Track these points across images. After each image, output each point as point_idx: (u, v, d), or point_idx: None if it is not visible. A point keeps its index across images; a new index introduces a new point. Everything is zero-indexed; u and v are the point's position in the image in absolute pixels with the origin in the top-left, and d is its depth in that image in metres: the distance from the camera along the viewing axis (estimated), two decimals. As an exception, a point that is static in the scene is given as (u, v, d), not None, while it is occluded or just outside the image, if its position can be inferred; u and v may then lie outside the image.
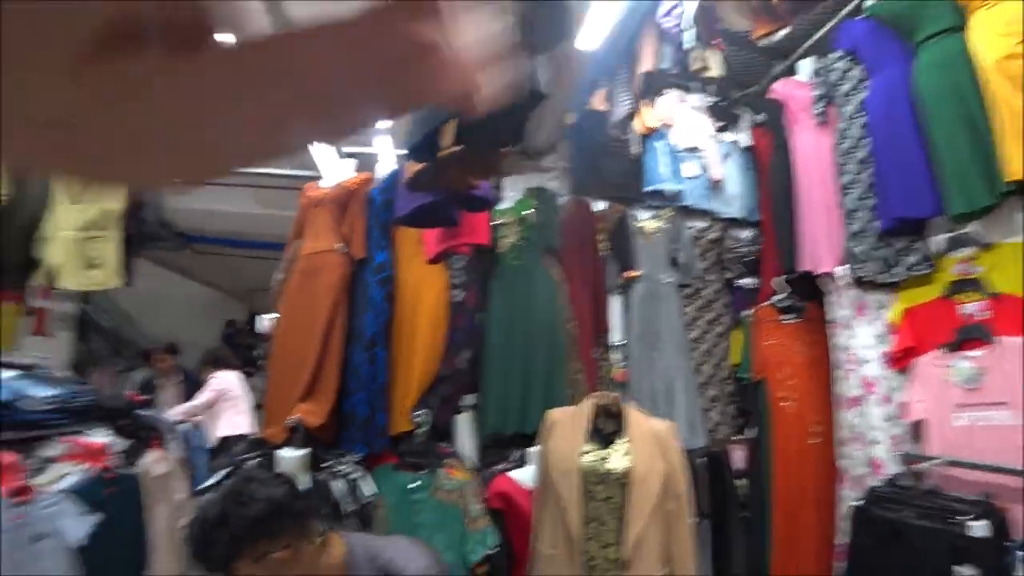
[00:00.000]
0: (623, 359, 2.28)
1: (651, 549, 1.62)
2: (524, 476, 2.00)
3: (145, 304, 9.01)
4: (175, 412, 3.87)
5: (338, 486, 2.00)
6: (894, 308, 1.96)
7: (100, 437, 2.37)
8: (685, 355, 2.32)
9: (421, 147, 1.16)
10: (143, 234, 2.57)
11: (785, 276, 2.33)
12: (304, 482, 1.94)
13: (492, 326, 2.12)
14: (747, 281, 2.46)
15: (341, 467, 2.07)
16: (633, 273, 2.30)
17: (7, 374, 2.24)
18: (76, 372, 3.20)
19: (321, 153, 2.52)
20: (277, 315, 2.34)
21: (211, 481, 2.03)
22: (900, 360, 1.93)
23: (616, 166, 2.37)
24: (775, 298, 2.32)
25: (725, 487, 2.42)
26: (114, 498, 2.29)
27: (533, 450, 2.00)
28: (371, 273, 2.16)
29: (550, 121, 2.29)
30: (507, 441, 2.14)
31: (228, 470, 2.03)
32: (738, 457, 2.46)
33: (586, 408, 1.76)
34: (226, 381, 4.01)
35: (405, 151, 1.56)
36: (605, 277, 2.25)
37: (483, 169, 1.27)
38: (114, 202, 2.41)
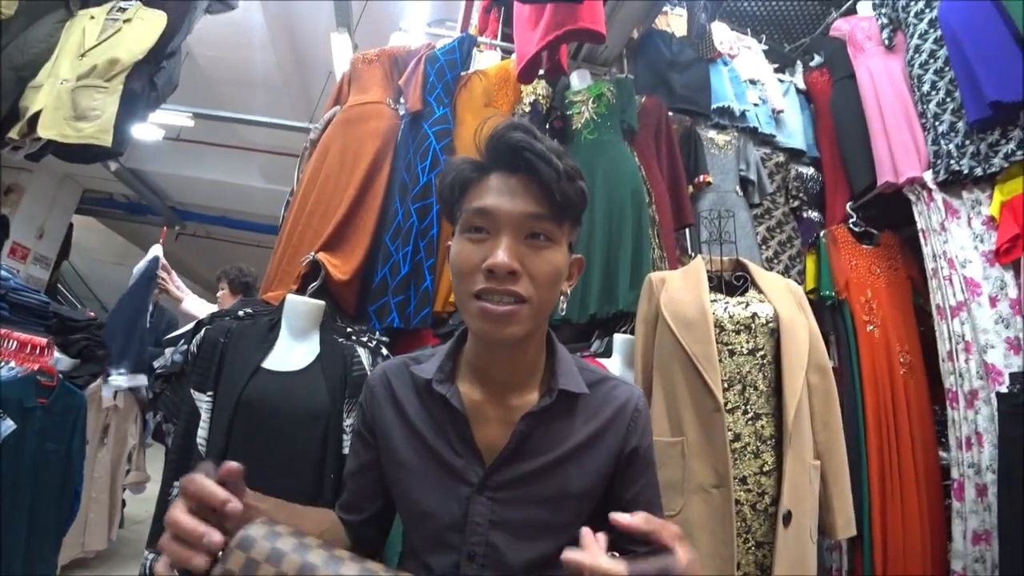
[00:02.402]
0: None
1: (807, 427, 1.22)
2: (611, 367, 1.60)
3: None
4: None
5: (364, 356, 1.51)
6: (993, 202, 1.86)
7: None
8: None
9: None
10: (149, 96, 2.17)
11: (855, 202, 2.24)
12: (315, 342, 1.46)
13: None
14: (813, 214, 2.34)
15: (366, 337, 1.60)
16: (707, 178, 2.12)
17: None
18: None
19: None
20: (299, 176, 1.96)
21: (179, 332, 1.47)
22: (1008, 252, 1.79)
23: (683, 80, 2.29)
24: (850, 221, 2.20)
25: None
26: (47, 412, 1.70)
27: (621, 337, 1.63)
28: (428, 124, 1.88)
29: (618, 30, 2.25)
30: (579, 332, 1.76)
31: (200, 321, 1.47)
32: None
33: (698, 263, 1.45)
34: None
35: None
36: (683, 172, 2.06)
37: None
38: (126, 52, 2.04)
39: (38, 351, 1.74)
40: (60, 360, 2.03)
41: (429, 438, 0.68)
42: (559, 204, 0.61)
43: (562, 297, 0.67)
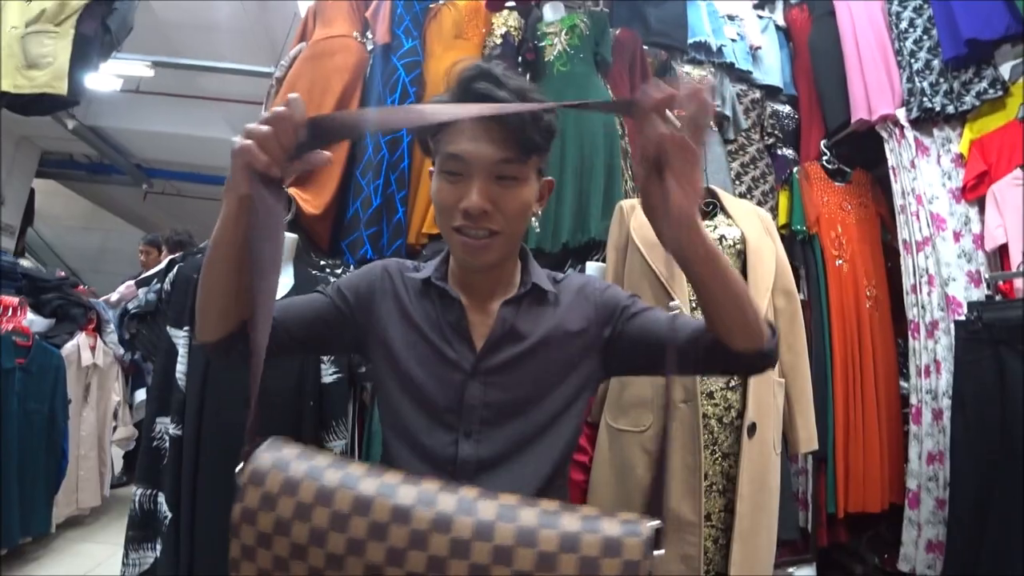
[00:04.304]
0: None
1: None
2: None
3: (94, 259, 7.58)
4: (119, 290, 3.02)
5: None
6: (963, 140, 1.89)
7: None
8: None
9: None
10: (103, 40, 2.05)
11: (829, 140, 2.24)
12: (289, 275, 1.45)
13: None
14: (787, 151, 2.34)
15: (340, 270, 1.59)
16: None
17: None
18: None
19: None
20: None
21: (154, 270, 1.45)
22: (974, 189, 1.83)
23: (659, 14, 2.23)
24: (823, 159, 2.21)
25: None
26: (26, 372, 1.67)
27: (593, 264, 1.65)
28: (397, 57, 1.81)
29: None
30: (552, 262, 1.76)
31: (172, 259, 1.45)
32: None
33: None
34: None
35: None
36: (658, 106, 2.03)
37: None
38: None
39: (10, 311, 1.70)
40: (35, 322, 1.99)
41: (427, 330, 0.74)
42: (525, 147, 0.68)
43: (533, 218, 0.75)
